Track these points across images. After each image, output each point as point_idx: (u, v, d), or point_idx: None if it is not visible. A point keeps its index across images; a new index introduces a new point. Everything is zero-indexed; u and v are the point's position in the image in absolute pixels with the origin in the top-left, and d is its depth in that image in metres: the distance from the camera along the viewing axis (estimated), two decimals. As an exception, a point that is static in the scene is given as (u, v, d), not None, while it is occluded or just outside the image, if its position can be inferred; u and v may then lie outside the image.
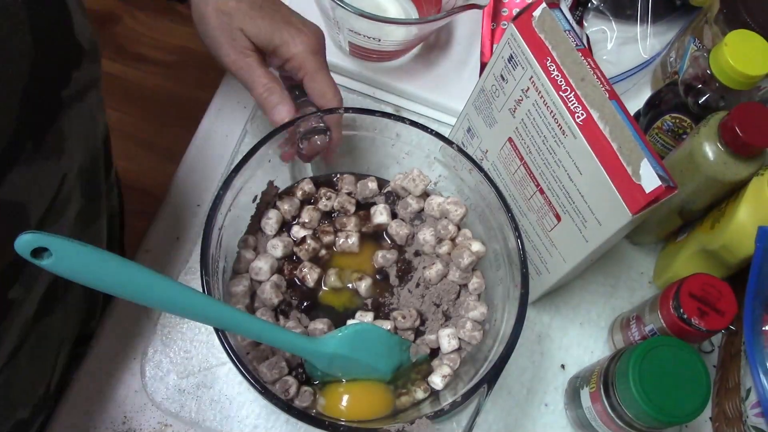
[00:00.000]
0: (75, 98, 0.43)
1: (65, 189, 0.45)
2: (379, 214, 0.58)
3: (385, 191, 0.60)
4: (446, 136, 0.56)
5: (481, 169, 0.55)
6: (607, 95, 0.49)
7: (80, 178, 0.49)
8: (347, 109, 0.55)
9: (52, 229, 0.45)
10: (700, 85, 0.62)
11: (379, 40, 0.68)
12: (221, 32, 0.53)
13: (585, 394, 0.58)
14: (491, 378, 0.47)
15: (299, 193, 0.57)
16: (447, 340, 0.54)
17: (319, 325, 0.52)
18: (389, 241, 0.58)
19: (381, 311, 0.55)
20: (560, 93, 0.50)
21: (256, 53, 0.54)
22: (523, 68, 0.52)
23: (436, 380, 0.53)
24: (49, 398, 0.56)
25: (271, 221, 0.56)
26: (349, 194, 0.58)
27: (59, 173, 0.44)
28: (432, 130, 0.56)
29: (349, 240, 0.56)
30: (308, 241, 0.55)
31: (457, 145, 0.55)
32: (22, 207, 0.41)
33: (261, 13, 0.53)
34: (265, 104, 0.54)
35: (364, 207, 0.59)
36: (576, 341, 0.67)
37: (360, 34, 0.67)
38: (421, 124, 0.56)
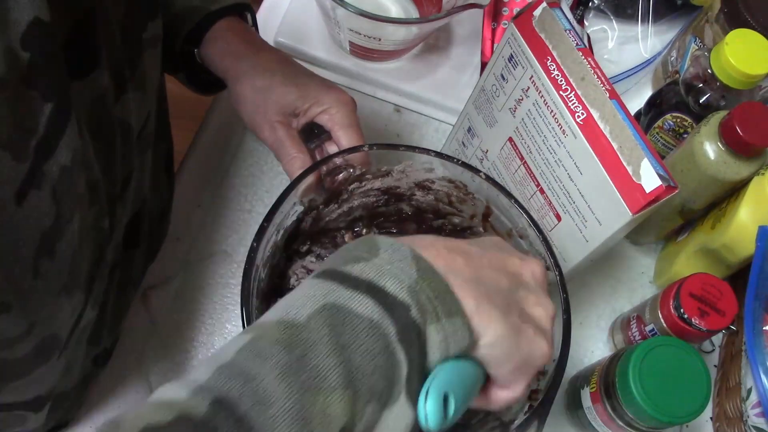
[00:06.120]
0: (149, 44, 0.47)
1: (149, 126, 0.49)
2: None
3: None
4: (447, 135, 0.55)
5: (517, 201, 0.53)
6: (608, 95, 0.49)
7: (155, 123, 0.52)
8: (371, 146, 0.54)
9: (139, 159, 0.49)
10: (700, 85, 0.62)
11: (380, 40, 0.68)
12: (255, 110, 0.56)
13: (585, 394, 0.58)
14: (545, 405, 0.45)
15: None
16: None
17: None
18: None
19: None
20: (560, 92, 0.50)
21: (285, 125, 0.56)
22: (523, 68, 0.52)
23: None
24: (112, 350, 0.59)
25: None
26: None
27: (145, 109, 0.48)
28: (459, 161, 0.54)
29: None
30: None
31: (485, 173, 0.54)
32: (130, 128, 0.44)
33: (294, 81, 0.56)
34: (290, 176, 0.56)
35: None
36: (576, 341, 0.67)
37: (360, 34, 0.67)
38: (447, 155, 0.54)
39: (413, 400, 0.32)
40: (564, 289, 0.49)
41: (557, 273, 0.50)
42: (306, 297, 0.32)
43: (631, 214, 0.47)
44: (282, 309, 0.32)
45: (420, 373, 0.32)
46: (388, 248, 0.34)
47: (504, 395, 0.38)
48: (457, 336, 0.33)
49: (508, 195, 0.53)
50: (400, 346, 0.31)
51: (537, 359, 0.37)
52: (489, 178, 0.54)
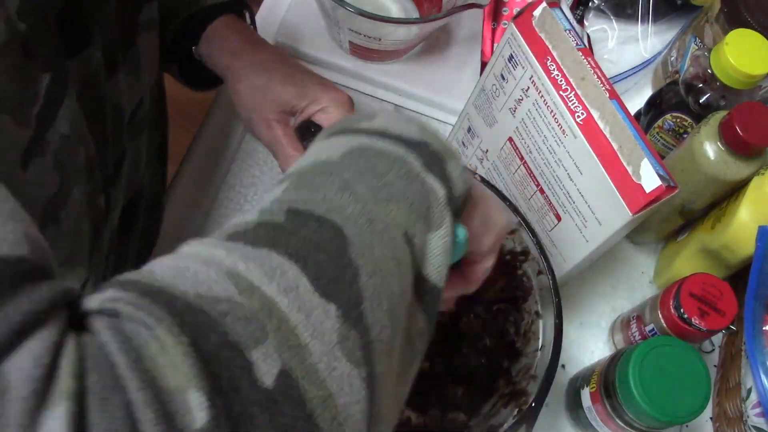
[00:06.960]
0: (145, 27, 0.47)
1: (141, 110, 0.49)
2: None
3: None
4: (447, 135, 0.55)
5: (512, 204, 0.53)
6: (608, 95, 0.49)
7: (150, 108, 0.52)
8: None
9: (132, 144, 0.48)
10: (700, 85, 0.62)
11: (380, 40, 0.68)
12: (253, 108, 0.56)
13: (585, 394, 0.58)
14: (534, 409, 0.45)
15: None
16: None
17: None
18: None
19: None
20: (560, 92, 0.50)
21: (282, 123, 0.56)
22: (523, 68, 0.52)
23: None
24: None
25: None
26: None
27: (138, 92, 0.48)
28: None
29: None
30: None
31: (481, 175, 0.53)
32: (121, 110, 0.45)
33: (293, 80, 0.56)
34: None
35: None
36: (576, 341, 0.67)
37: (360, 34, 0.67)
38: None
39: (452, 222, 0.33)
40: (557, 293, 0.49)
41: (550, 277, 0.50)
42: (329, 146, 0.33)
43: (631, 214, 0.47)
44: (311, 157, 0.33)
45: (453, 202, 0.33)
46: (384, 112, 0.37)
47: (480, 268, 0.41)
48: (466, 174, 0.35)
49: (503, 198, 0.53)
50: (431, 175, 0.33)
51: (504, 224, 0.40)
52: (485, 181, 0.54)
